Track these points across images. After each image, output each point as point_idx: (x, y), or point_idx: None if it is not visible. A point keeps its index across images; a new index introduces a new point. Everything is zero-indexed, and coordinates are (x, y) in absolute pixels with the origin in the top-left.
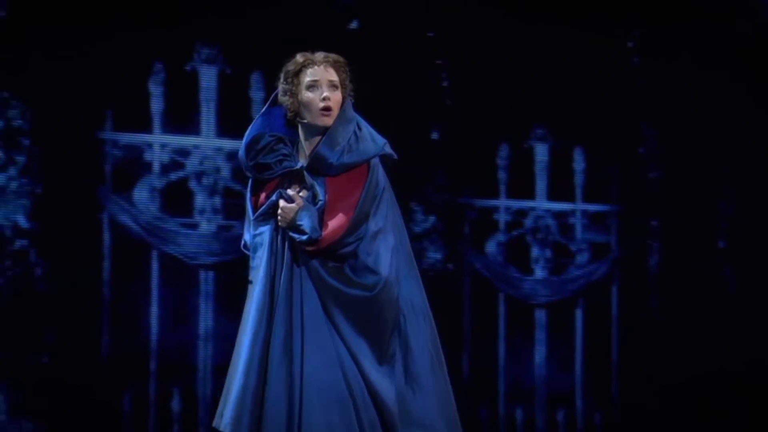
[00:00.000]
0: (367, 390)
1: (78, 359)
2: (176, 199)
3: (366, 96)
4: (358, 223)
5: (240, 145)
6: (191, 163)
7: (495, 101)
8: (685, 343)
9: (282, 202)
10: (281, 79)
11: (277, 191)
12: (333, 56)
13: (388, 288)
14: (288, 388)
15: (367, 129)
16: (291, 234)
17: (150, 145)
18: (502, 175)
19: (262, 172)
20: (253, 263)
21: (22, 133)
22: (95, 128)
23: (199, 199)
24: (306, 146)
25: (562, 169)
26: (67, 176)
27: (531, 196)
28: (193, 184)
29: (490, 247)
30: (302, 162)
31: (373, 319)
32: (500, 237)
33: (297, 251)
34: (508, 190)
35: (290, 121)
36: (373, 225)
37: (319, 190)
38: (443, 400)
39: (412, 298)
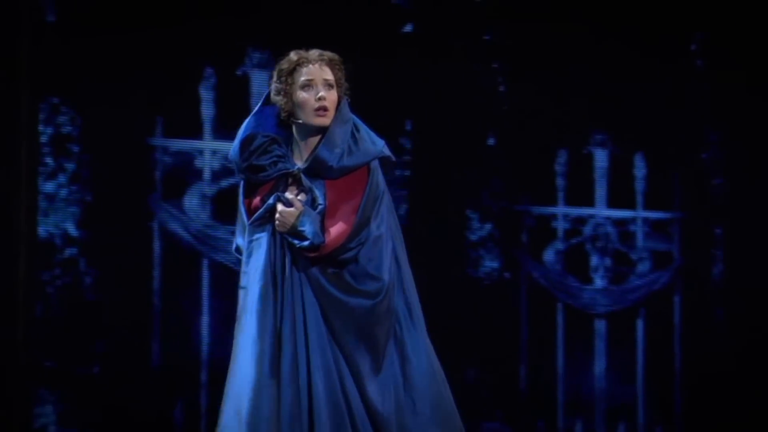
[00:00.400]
0: (364, 405)
1: (128, 369)
2: (227, 206)
3: (421, 101)
4: (360, 227)
5: (234, 146)
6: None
7: (553, 106)
8: (751, 355)
9: (280, 206)
10: (274, 78)
11: (275, 194)
12: (328, 54)
13: (389, 295)
14: (299, 406)
15: (364, 130)
16: (291, 240)
17: (201, 152)
18: (560, 181)
19: (256, 173)
20: (246, 268)
21: (72, 139)
22: (145, 134)
23: None
24: (301, 147)
25: (623, 176)
26: (117, 184)
27: (590, 203)
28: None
29: (548, 255)
30: (298, 164)
31: (372, 328)
32: (558, 245)
33: (296, 257)
34: (566, 197)
35: (284, 122)
36: (374, 229)
37: (318, 193)
38: (444, 409)
39: (410, 305)
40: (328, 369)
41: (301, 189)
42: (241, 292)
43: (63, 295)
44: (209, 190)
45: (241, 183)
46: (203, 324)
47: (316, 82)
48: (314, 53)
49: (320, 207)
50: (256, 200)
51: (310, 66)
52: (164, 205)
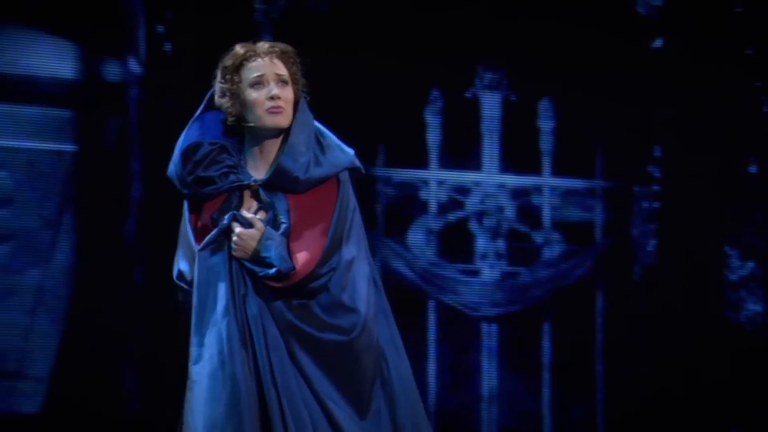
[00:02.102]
0: None
1: None
2: (455, 242)
3: (672, 123)
4: (331, 250)
5: (174, 159)
6: (472, 202)
7: None
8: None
9: (238, 228)
10: (218, 77)
11: (230, 213)
12: (280, 45)
13: (368, 328)
14: None
15: (330, 136)
16: (251, 267)
17: (426, 182)
18: None
19: (203, 187)
20: (195, 300)
21: None
22: (366, 164)
23: (481, 243)
24: (256, 156)
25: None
26: None
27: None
28: (473, 226)
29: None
30: (253, 176)
31: (351, 369)
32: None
33: (258, 288)
34: None
35: (232, 128)
36: (346, 252)
37: (279, 210)
38: None
39: (392, 335)
40: (299, 421)
41: (259, 206)
42: (194, 338)
43: None
44: (435, 224)
45: (185, 201)
46: (429, 372)
47: (267, 78)
48: (263, 45)
49: (284, 227)
50: (204, 219)
51: (260, 60)
52: (386, 241)
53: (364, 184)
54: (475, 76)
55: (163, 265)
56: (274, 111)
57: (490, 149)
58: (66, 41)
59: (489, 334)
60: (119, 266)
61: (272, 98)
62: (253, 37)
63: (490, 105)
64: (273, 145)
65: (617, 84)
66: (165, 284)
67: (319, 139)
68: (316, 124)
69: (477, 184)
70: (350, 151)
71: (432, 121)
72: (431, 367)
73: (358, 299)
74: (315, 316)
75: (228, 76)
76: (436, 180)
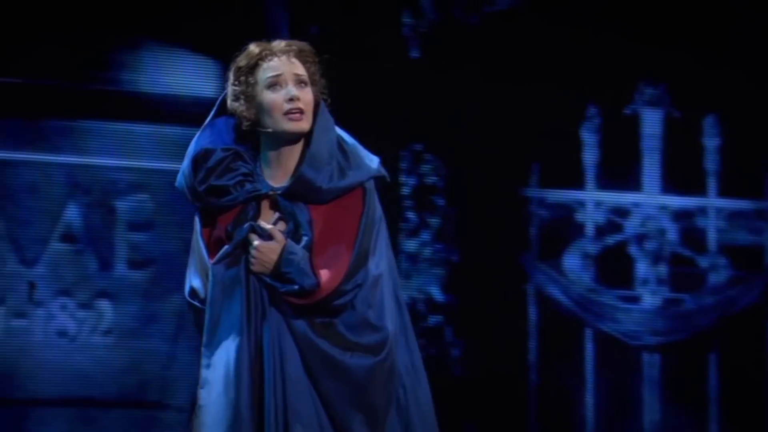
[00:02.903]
0: None
1: None
2: (614, 267)
3: None
4: (357, 265)
5: (184, 167)
6: (631, 225)
7: None
8: None
9: (256, 240)
10: (230, 80)
11: (247, 224)
12: (298, 43)
13: (393, 350)
14: None
15: (353, 142)
16: (271, 283)
17: (582, 204)
18: None
19: (219, 197)
20: (207, 318)
21: (436, 191)
22: (519, 185)
23: (641, 267)
24: (272, 163)
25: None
26: (487, 241)
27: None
28: (633, 250)
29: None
30: (271, 184)
31: (370, 395)
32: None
33: (277, 305)
34: None
35: (246, 134)
36: (373, 267)
37: (301, 221)
38: None
39: (412, 358)
40: None
41: (279, 217)
42: (203, 359)
43: (427, 370)
44: (593, 248)
45: (197, 212)
46: (587, 404)
47: (285, 79)
48: (279, 43)
49: (306, 239)
50: (218, 232)
51: (276, 59)
52: (540, 265)
53: (517, 204)
54: (635, 92)
55: None
56: (293, 116)
57: (651, 168)
58: (208, 59)
59: (650, 364)
60: None
61: (291, 100)
62: (402, 53)
63: (651, 122)
64: (291, 151)
65: None
66: None
67: (341, 145)
68: (337, 128)
69: (637, 205)
70: (375, 158)
71: (589, 139)
72: (589, 399)
73: (385, 317)
74: (339, 335)
75: (242, 78)
76: (593, 201)
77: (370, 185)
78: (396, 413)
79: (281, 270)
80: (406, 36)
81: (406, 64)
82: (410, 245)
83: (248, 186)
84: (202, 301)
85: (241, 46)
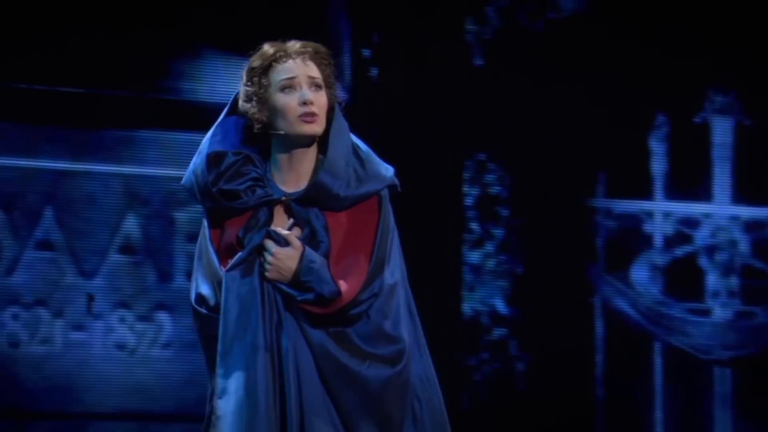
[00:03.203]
0: None
1: None
2: (683, 279)
3: None
4: (374, 274)
5: (198, 165)
6: (701, 236)
7: None
8: None
9: (274, 246)
10: (243, 80)
11: (263, 230)
12: (313, 45)
13: (409, 361)
14: None
15: (367, 148)
16: (288, 291)
17: (650, 214)
18: None
19: (231, 201)
20: (221, 328)
21: (501, 201)
22: (585, 195)
23: (712, 280)
24: (283, 166)
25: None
26: (552, 253)
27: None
28: (703, 262)
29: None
30: (282, 189)
31: (386, 407)
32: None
33: (293, 314)
34: None
35: (256, 136)
36: (388, 276)
37: (317, 227)
38: None
39: (425, 368)
40: None
41: (293, 223)
42: (219, 369)
43: (492, 384)
44: (661, 259)
45: (205, 217)
46: (656, 420)
47: (299, 81)
48: (294, 44)
49: (323, 246)
50: (228, 237)
51: (290, 61)
52: (607, 277)
53: (582, 215)
54: (705, 100)
55: None
56: (308, 118)
57: (722, 178)
58: None
59: (722, 379)
60: None
61: (305, 104)
62: (466, 60)
63: (722, 130)
64: (304, 155)
65: None
66: None
67: (356, 151)
68: (352, 135)
69: (707, 216)
70: (390, 167)
71: (657, 148)
72: (658, 415)
73: (401, 328)
74: (355, 346)
75: (255, 79)
76: (661, 212)
77: (385, 193)
78: (412, 425)
79: (301, 278)
80: (470, 43)
81: (470, 72)
82: (474, 257)
83: (259, 191)
84: (211, 309)
85: None
